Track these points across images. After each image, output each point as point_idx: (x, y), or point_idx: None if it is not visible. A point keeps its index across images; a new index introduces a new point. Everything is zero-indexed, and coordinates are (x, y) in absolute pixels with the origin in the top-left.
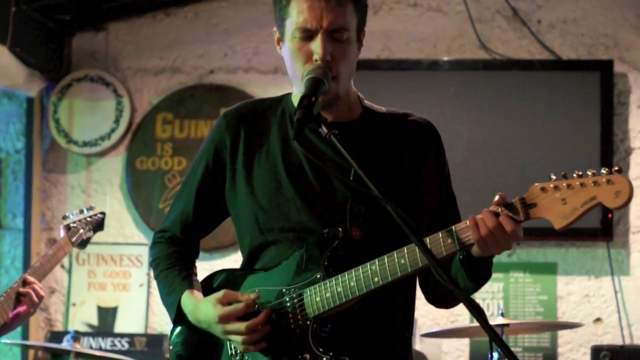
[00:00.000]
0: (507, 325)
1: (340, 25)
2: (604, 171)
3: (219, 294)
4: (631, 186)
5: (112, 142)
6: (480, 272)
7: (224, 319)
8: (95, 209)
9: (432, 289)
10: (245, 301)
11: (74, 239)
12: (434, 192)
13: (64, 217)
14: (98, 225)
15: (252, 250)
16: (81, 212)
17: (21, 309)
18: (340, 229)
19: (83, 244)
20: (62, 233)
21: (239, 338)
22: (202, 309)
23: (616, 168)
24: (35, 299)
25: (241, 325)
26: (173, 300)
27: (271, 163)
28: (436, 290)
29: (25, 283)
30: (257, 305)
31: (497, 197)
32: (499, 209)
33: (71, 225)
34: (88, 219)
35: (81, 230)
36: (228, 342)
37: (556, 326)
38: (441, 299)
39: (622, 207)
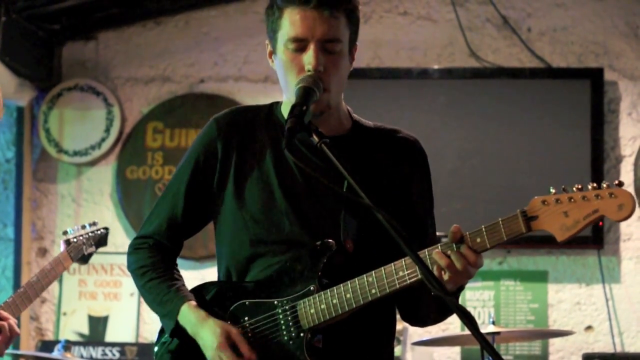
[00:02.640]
0: (498, 333)
1: (332, 36)
2: (605, 185)
3: (232, 328)
4: (634, 199)
5: (103, 151)
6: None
7: (220, 351)
8: (97, 225)
9: (411, 306)
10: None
11: (73, 254)
12: (422, 208)
13: (64, 232)
14: (101, 240)
15: (239, 261)
16: (83, 227)
17: None
18: (332, 241)
19: (84, 259)
20: (61, 247)
21: None
22: (209, 326)
23: (617, 182)
24: (8, 333)
25: None
26: (170, 311)
27: (264, 174)
28: (416, 307)
29: None
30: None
31: (450, 234)
32: (450, 248)
33: (71, 240)
34: (90, 234)
35: (83, 246)
36: None
37: (547, 334)
38: (419, 316)
39: (625, 220)
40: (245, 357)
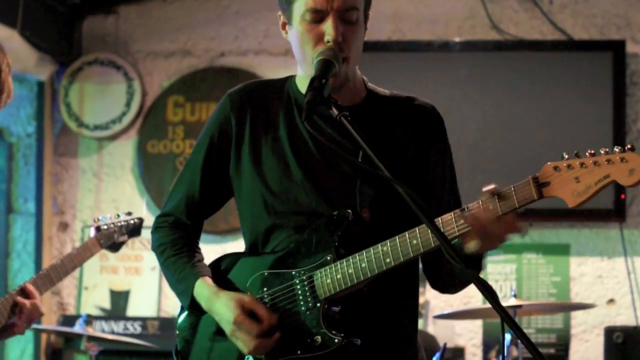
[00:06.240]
0: (519, 306)
1: (351, 5)
2: (617, 149)
3: (244, 297)
4: None
5: (124, 125)
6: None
7: (238, 324)
8: (132, 215)
9: (437, 273)
10: (264, 324)
11: (103, 241)
12: (440, 176)
13: (96, 220)
14: (134, 230)
15: (258, 233)
16: (117, 216)
17: (11, 322)
18: (349, 211)
19: (115, 247)
20: (92, 233)
21: (244, 348)
22: (222, 301)
23: (629, 146)
24: (30, 313)
25: (251, 340)
26: (185, 288)
27: (279, 146)
28: (441, 274)
29: (25, 293)
30: (267, 304)
31: (485, 190)
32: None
33: (102, 227)
34: (123, 222)
35: (114, 234)
36: None
37: (569, 307)
38: (446, 283)
39: (636, 185)
40: (264, 322)
